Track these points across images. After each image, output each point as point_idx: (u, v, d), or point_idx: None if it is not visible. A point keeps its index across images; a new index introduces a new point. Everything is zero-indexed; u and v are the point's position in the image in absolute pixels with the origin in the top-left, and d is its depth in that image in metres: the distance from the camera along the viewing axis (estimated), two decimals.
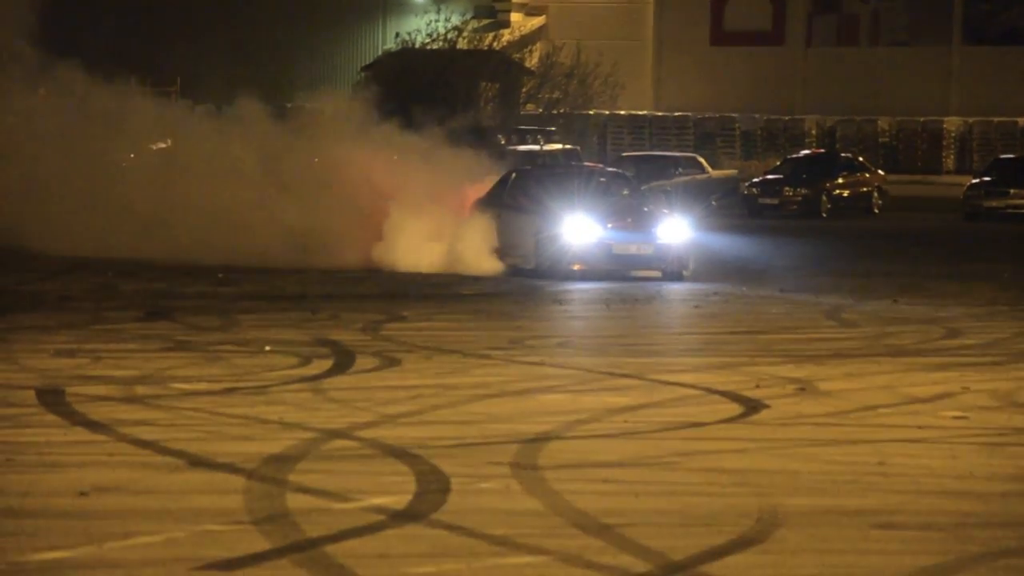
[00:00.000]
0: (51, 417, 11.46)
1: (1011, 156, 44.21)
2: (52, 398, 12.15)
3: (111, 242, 25.52)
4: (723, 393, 12.78)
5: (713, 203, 42.11)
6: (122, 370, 13.64)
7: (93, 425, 11.15)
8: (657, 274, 22.79)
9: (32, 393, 12.28)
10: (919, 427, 11.56)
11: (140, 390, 12.67)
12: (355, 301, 19.70)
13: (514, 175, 24.32)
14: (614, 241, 22.64)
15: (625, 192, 24.35)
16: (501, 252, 23.39)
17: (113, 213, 26.51)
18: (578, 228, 22.57)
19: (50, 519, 8.74)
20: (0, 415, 11.49)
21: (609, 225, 22.71)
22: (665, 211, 24.22)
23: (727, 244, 28.22)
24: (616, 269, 22.79)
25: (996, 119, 53.75)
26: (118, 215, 26.47)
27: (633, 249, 22.69)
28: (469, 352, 15.17)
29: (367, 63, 55.08)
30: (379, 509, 8.95)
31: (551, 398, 12.78)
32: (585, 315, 19.10)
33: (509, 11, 59.92)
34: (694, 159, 44.30)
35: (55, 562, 7.94)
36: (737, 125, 55.33)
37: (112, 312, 18.21)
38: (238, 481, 9.55)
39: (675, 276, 22.60)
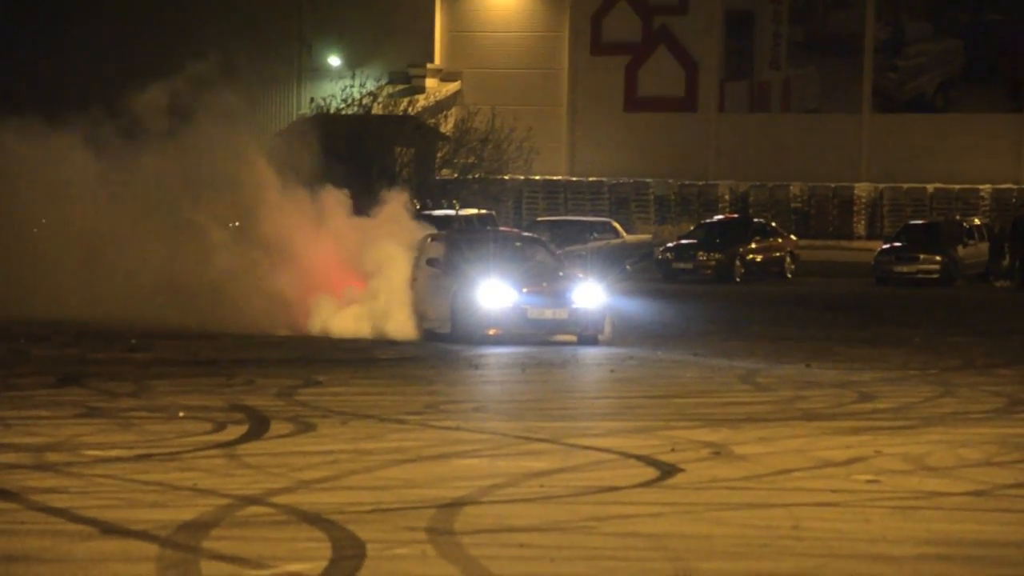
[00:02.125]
0: None
1: (921, 222, 44.81)
2: None
3: (23, 304, 25.33)
4: (639, 457, 12.82)
5: (628, 268, 42.32)
6: (33, 437, 13.50)
7: (3, 493, 11.02)
8: (572, 338, 22.86)
9: None
10: (832, 491, 11.63)
11: (51, 457, 12.54)
12: (270, 366, 19.60)
13: (430, 239, 24.33)
14: (529, 306, 22.70)
15: (540, 257, 24.43)
16: (417, 317, 23.38)
17: (28, 275, 26.33)
18: (493, 293, 22.62)
19: None
20: None
21: (524, 290, 22.77)
22: (580, 276, 24.33)
23: (642, 308, 28.38)
24: (532, 333, 22.84)
25: (906, 185, 54.43)
26: (33, 277, 26.29)
27: (548, 314, 22.75)
28: (385, 417, 15.14)
29: (281, 128, 55.10)
30: None
31: (467, 463, 12.76)
32: (501, 379, 19.11)
33: (424, 76, 60.12)
34: (609, 224, 44.54)
35: None
36: (651, 190, 55.70)
37: (23, 378, 18.04)
38: (152, 548, 9.46)
39: (590, 340, 22.69)
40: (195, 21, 57.81)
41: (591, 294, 22.98)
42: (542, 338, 22.86)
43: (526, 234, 27.76)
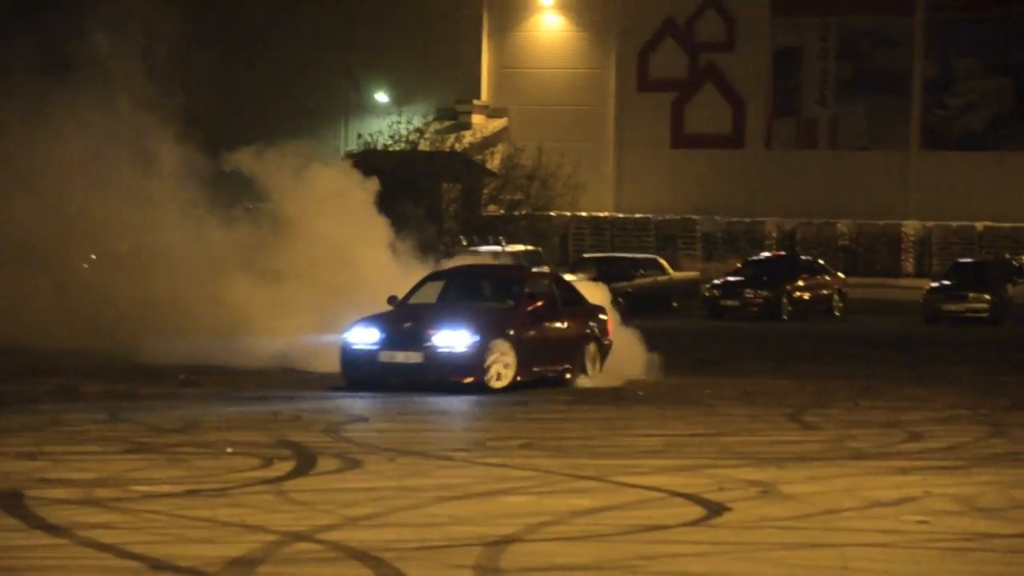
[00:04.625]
0: (10, 520, 11.35)
1: (969, 260, 44.56)
2: (11, 501, 12.05)
3: (74, 339, 25.48)
4: (686, 496, 12.77)
5: (674, 305, 42.26)
6: (82, 472, 13.55)
7: (52, 528, 11.06)
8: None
9: None
10: (882, 531, 11.56)
11: (100, 493, 12.58)
12: (317, 402, 19.64)
13: (428, 279, 22.82)
14: (382, 349, 20.64)
15: (534, 292, 22.24)
16: None
17: (76, 309, 26.47)
18: (355, 336, 20.89)
19: None
20: None
21: (388, 332, 20.78)
22: (598, 313, 22.68)
23: (688, 345, 28.29)
24: (389, 379, 20.68)
25: (954, 223, 54.21)
26: (82, 311, 26.43)
27: (400, 357, 20.59)
28: (431, 454, 15.13)
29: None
30: None
31: (513, 500, 12.74)
32: (547, 417, 19.07)
33: (471, 113, 60.29)
34: (655, 260, 44.49)
35: None
36: (698, 227, 55.63)
37: (73, 414, 18.12)
38: None
39: (454, 386, 20.44)
40: (248, 57, 58.09)
41: (462, 335, 20.58)
42: (400, 384, 20.64)
43: (540, 270, 25.98)
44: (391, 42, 60.48)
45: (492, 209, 51.52)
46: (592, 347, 22.28)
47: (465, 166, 52.70)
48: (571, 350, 21.96)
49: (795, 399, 20.71)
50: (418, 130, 53.29)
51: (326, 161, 27.54)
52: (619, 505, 12.46)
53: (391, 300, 21.91)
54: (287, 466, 14.06)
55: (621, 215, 57.53)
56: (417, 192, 45.73)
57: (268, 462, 14.24)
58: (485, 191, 52.67)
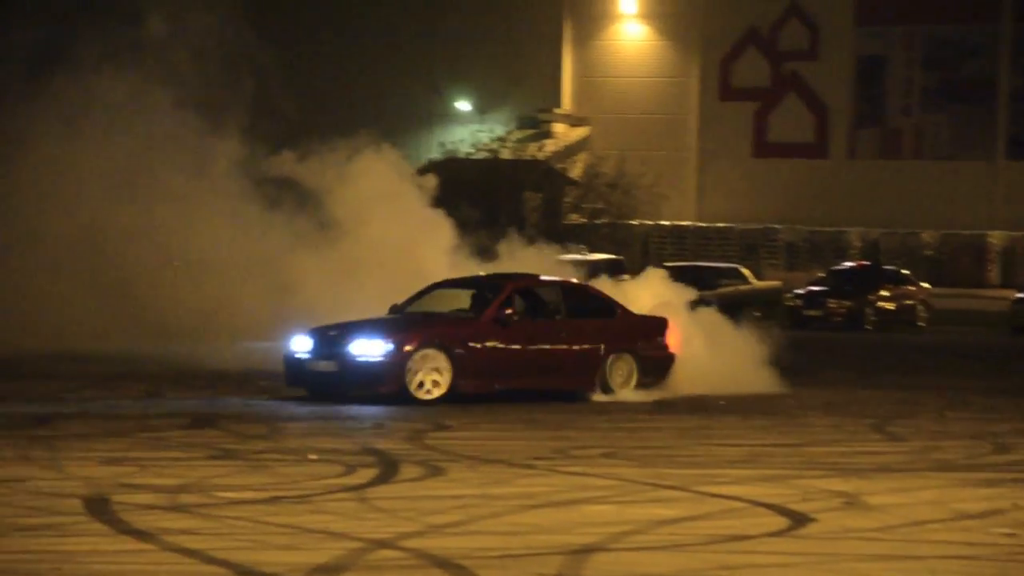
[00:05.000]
0: (97, 526, 11.44)
1: None
2: (98, 506, 12.15)
3: (150, 344, 25.68)
4: (769, 506, 12.69)
5: (756, 314, 42.06)
6: (167, 478, 13.65)
7: (139, 534, 11.13)
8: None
9: (78, 502, 12.29)
10: (969, 544, 11.44)
11: (185, 498, 12.66)
12: (400, 410, 19.69)
13: (431, 288, 22.24)
14: (306, 357, 20.28)
15: (534, 304, 21.46)
16: None
17: (143, 313, 26.60)
18: (296, 344, 20.57)
19: None
20: (47, 524, 11.49)
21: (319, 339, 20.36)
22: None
23: (770, 355, 28.07)
24: (314, 388, 20.40)
25: None
26: (149, 315, 26.58)
27: (321, 366, 20.18)
28: (513, 462, 15.13)
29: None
30: None
31: (596, 509, 12.71)
32: (630, 425, 19.02)
33: (553, 121, 60.33)
34: (736, 270, 44.34)
35: None
36: (781, 236, 55.39)
37: (158, 420, 18.26)
38: None
39: (367, 397, 19.96)
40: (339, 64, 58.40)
41: (376, 345, 19.99)
42: (326, 393, 20.28)
43: (551, 278, 22.38)
44: (473, 51, 60.64)
45: (574, 218, 51.50)
46: (620, 361, 21.26)
47: (546, 175, 52.72)
48: (579, 364, 21.08)
49: (879, 409, 20.55)
50: (500, 139, 53.41)
51: (378, 156, 27.24)
52: (702, 515, 12.40)
53: (392, 308, 21.64)
54: (370, 473, 14.10)
55: (703, 224, 57.36)
56: (498, 201, 45.79)
57: (351, 469, 14.29)
58: (567, 200, 52.65)
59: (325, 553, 10.56)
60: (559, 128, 60.03)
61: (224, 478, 13.81)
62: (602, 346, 21.33)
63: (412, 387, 20.16)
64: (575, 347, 21.20)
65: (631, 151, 55.05)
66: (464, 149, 52.72)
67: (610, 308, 21.93)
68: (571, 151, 58.13)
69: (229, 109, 28.22)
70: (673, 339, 21.94)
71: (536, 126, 59.91)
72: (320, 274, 25.80)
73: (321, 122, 27.48)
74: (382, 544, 10.97)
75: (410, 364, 20.11)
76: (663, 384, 21.68)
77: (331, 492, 13.05)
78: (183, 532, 11.19)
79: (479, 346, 20.56)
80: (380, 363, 20.08)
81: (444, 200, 27.38)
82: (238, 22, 29.41)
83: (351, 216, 26.22)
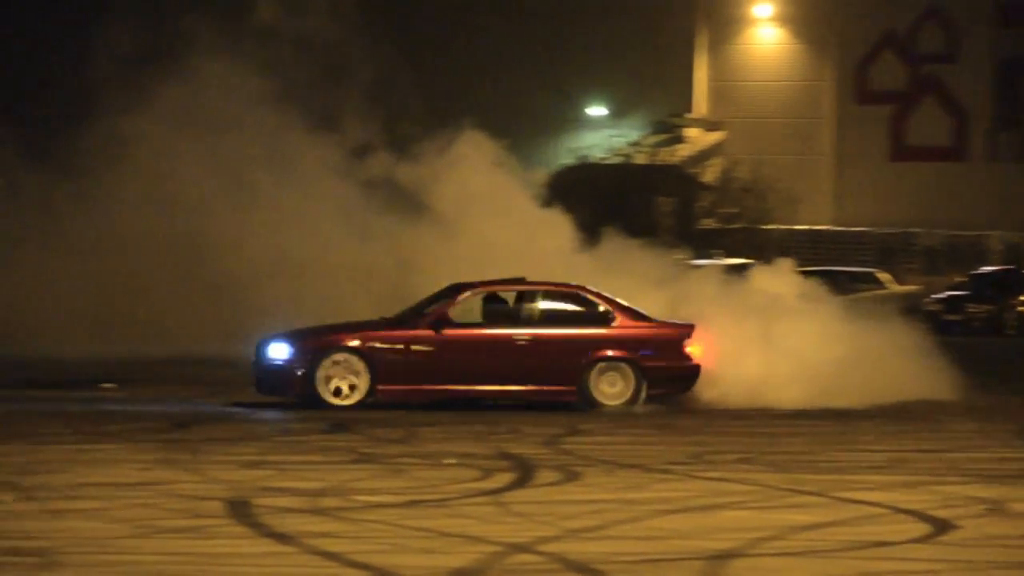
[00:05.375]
0: (239, 528, 11.58)
1: None
2: (239, 509, 12.29)
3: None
4: (910, 512, 12.54)
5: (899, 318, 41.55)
6: (307, 481, 13.78)
7: (280, 537, 11.25)
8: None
9: (220, 504, 12.44)
10: None
11: (324, 502, 12.77)
12: (535, 414, 19.71)
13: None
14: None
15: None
16: None
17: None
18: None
19: None
20: (191, 526, 11.65)
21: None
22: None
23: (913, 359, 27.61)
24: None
25: None
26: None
27: (256, 371, 20.26)
28: (650, 467, 15.09)
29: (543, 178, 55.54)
30: None
31: (733, 515, 12.64)
32: (767, 430, 18.89)
33: (686, 126, 60.09)
34: (871, 274, 43.88)
35: None
36: (919, 240, 54.76)
37: (297, 423, 18.44)
38: None
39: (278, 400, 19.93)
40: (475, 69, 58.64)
41: (281, 348, 19.91)
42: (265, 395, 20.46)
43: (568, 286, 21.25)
44: (606, 56, 60.58)
45: (708, 223, 51.29)
46: (612, 372, 20.24)
47: (680, 179, 52.56)
48: (544, 373, 20.16)
49: (1022, 415, 20.22)
50: (633, 143, 53.33)
51: (484, 154, 26.92)
52: (842, 521, 12.29)
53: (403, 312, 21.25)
54: (506, 477, 14.13)
55: (839, 228, 56.84)
56: (631, 206, 45.72)
57: (487, 473, 14.33)
58: (701, 204, 52.45)
59: (463, 557, 10.60)
60: (693, 133, 59.79)
61: (362, 482, 13.92)
62: (586, 355, 20.28)
63: (324, 392, 19.84)
64: (534, 356, 20.22)
65: (766, 155, 54.69)
66: (597, 154, 52.71)
67: (604, 316, 20.60)
68: (705, 156, 57.85)
69: (349, 113, 28.21)
70: (699, 348, 20.59)
71: (670, 131, 59.68)
72: (434, 276, 25.48)
73: (449, 125, 27.39)
74: (520, 548, 10.98)
75: (320, 370, 19.85)
76: (679, 397, 20.56)
77: (468, 496, 13.10)
78: (323, 535, 11.29)
79: (403, 352, 20.09)
80: (282, 367, 19.92)
81: (576, 204, 27.25)
82: (361, 27, 29.41)
83: (462, 215, 26.05)
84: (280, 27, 28.94)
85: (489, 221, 25.88)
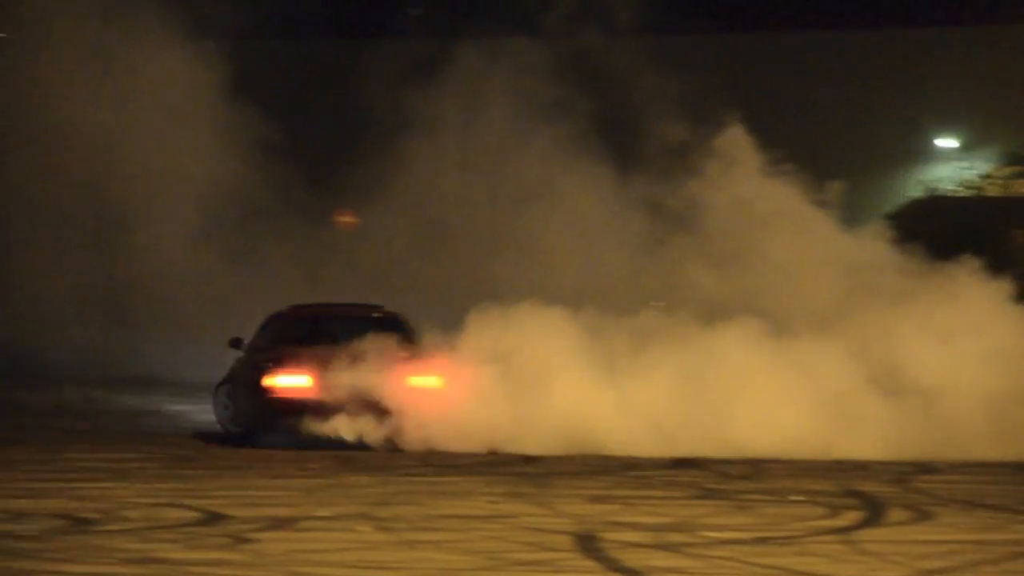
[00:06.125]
0: (588, 563, 11.64)
1: None
2: (587, 543, 12.37)
3: None
4: None
5: None
6: (652, 517, 13.79)
7: (628, 571, 11.27)
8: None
9: (569, 538, 12.54)
10: None
11: (672, 537, 12.76)
12: (882, 452, 19.36)
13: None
14: None
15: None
16: None
17: None
18: None
19: None
20: (541, 559, 11.76)
21: None
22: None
23: None
24: None
25: None
26: None
27: None
28: (1006, 507, 14.64)
29: (888, 211, 54.59)
30: None
31: None
32: None
33: None
34: None
35: None
36: None
37: (641, 459, 18.51)
38: None
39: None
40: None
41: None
42: None
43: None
44: (960, 89, 59.29)
45: None
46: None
47: None
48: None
49: None
50: (986, 176, 52.06)
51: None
52: None
53: None
54: (855, 516, 13.89)
55: None
56: (983, 240, 44.58)
57: (835, 511, 14.12)
58: None
59: None
60: None
61: (709, 518, 13.86)
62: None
63: None
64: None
65: None
66: (947, 187, 51.60)
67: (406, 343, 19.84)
68: None
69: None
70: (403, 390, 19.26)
71: (1023, 163, 58.03)
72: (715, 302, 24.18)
73: (807, 164, 26.65)
74: None
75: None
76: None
77: (816, 534, 12.92)
78: (671, 571, 11.26)
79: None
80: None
81: (924, 237, 26.41)
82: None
83: (751, 239, 24.97)
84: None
85: (780, 244, 24.43)
